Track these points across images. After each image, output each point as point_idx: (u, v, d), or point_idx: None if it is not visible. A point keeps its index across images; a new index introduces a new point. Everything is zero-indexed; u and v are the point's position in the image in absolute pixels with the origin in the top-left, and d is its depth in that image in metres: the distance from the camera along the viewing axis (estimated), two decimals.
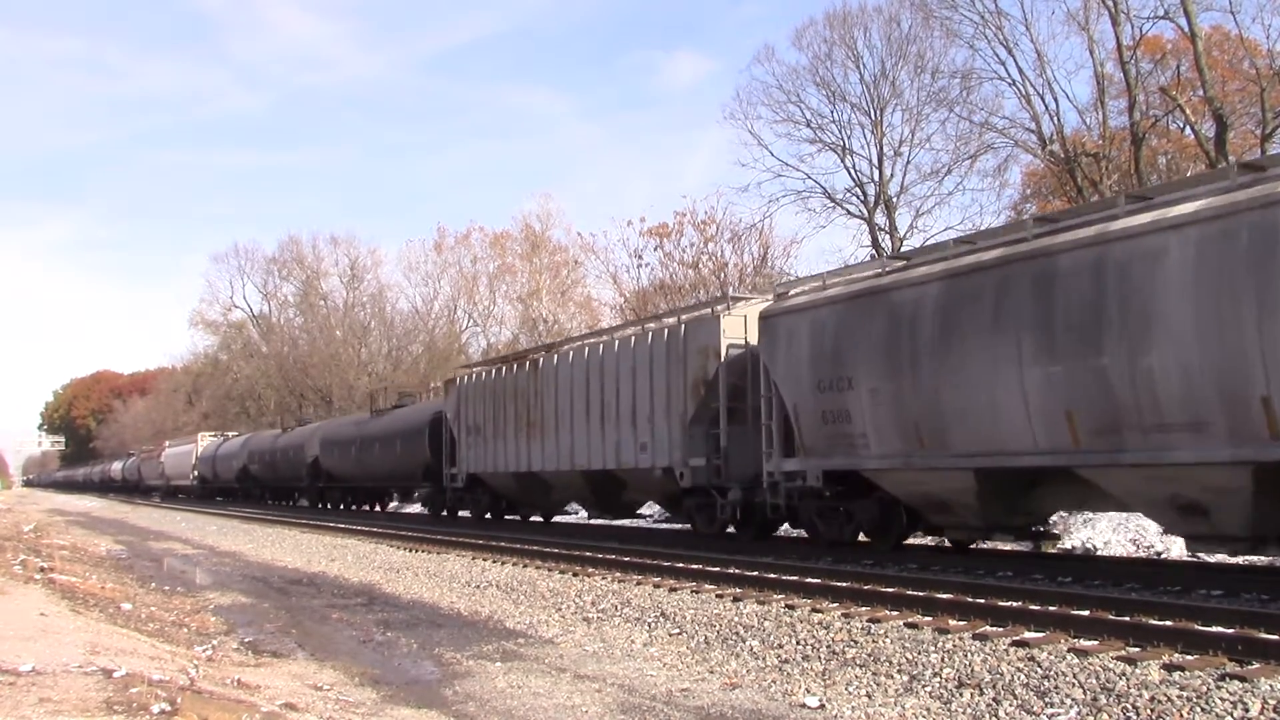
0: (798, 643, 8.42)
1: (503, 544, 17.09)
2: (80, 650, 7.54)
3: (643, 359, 17.42)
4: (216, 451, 50.61)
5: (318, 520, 28.27)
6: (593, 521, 26.15)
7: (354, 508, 36.78)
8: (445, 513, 27.37)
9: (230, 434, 54.53)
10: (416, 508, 35.33)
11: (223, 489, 51.74)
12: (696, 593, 11.02)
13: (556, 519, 25.20)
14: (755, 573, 11.58)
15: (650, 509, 24.96)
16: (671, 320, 17.52)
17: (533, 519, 24.77)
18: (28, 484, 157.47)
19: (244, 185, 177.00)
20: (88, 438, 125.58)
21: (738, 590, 10.77)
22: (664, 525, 23.30)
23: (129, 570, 17.91)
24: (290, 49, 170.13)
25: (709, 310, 16.79)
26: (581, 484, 20.18)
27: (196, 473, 53.14)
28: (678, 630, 9.46)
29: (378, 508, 36.92)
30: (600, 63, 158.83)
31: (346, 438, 33.69)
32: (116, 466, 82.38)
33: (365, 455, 31.37)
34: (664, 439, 16.73)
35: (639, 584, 11.92)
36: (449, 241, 57.90)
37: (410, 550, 18.28)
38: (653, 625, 9.78)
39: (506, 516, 24.88)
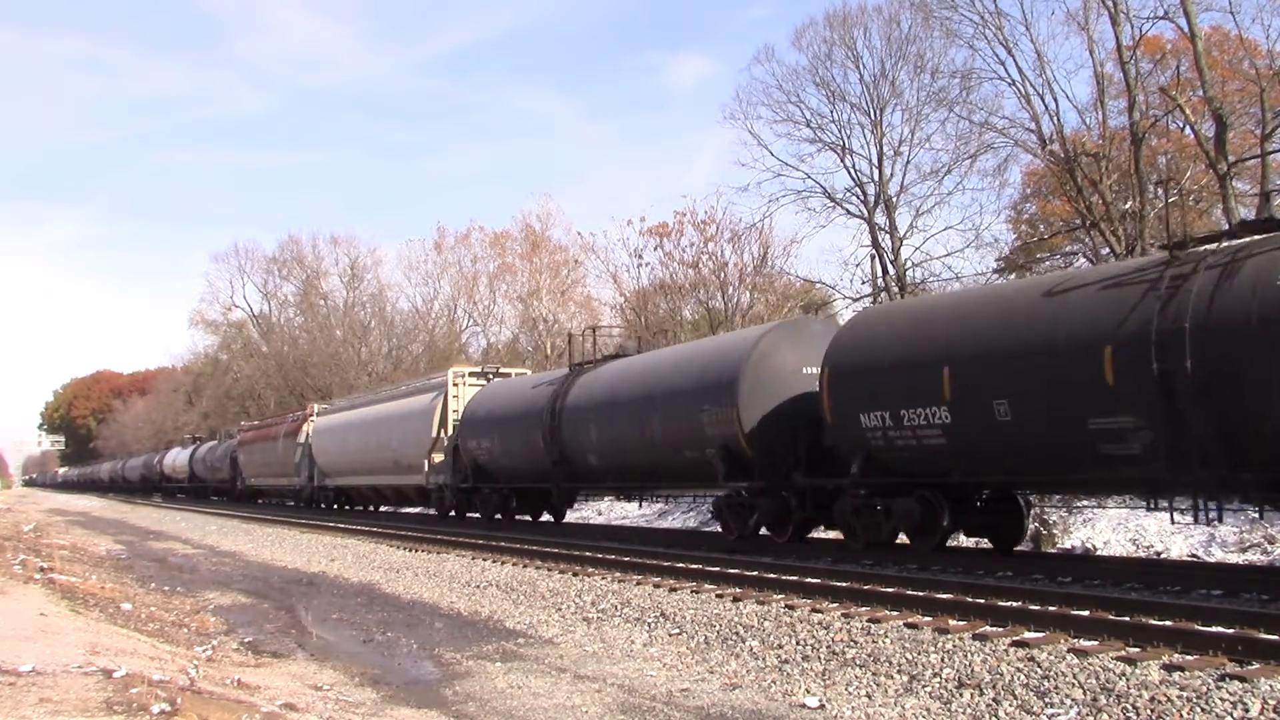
0: (798, 643, 8.41)
1: (502, 544, 17.07)
2: (80, 650, 7.53)
3: None
4: (565, 400, 19.23)
5: (318, 520, 28.23)
6: (592, 522, 26.08)
7: None
8: None
9: (525, 372, 26.95)
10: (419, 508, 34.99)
11: (570, 481, 20.03)
12: (696, 593, 11.01)
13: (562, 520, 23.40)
14: (755, 573, 11.57)
15: None
16: None
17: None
18: (28, 484, 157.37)
19: (244, 185, 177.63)
20: (88, 438, 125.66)
21: (738, 590, 10.76)
22: (663, 525, 23.18)
23: (129, 570, 17.91)
24: (294, 50, 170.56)
25: None
26: None
27: (447, 459, 24.18)
28: (678, 630, 9.45)
29: None
30: (603, 64, 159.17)
31: None
32: (178, 458, 57.56)
33: None
34: None
35: (639, 584, 11.91)
36: (449, 241, 57.72)
37: (410, 550, 18.26)
38: (653, 625, 9.77)
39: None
